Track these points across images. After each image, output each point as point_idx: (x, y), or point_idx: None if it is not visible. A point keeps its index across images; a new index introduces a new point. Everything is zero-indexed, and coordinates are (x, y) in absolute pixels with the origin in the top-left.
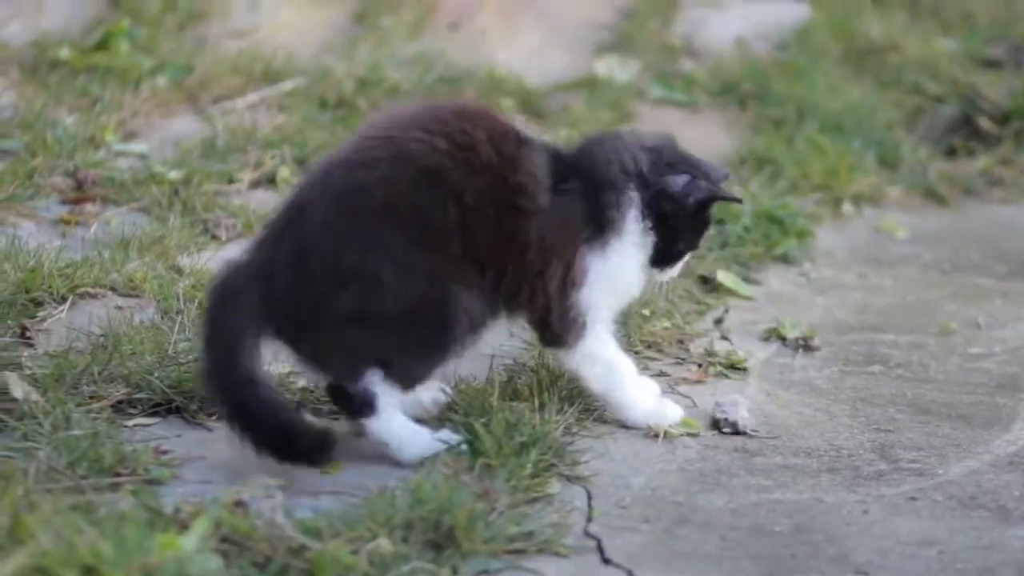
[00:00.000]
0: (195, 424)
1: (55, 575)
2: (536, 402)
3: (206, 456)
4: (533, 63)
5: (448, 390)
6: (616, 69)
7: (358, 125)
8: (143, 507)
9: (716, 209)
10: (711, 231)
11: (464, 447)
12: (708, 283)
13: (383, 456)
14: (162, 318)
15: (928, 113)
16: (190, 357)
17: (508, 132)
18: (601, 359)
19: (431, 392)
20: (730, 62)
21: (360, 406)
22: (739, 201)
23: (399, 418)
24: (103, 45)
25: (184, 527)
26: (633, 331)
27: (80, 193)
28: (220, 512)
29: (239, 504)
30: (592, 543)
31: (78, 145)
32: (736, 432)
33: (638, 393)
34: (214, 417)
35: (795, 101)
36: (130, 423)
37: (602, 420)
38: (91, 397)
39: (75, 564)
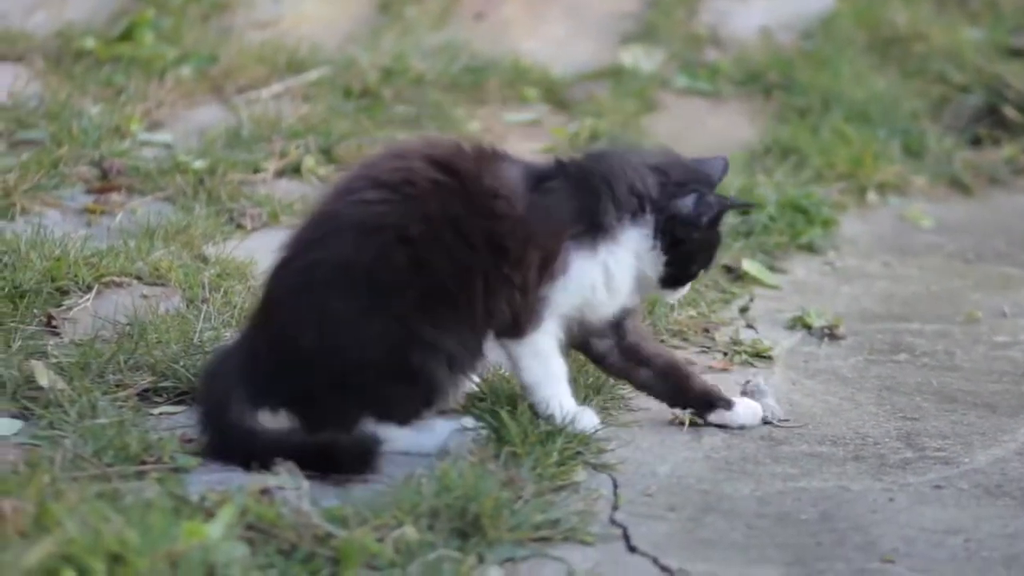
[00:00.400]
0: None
1: (81, 563)
2: None
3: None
4: (558, 53)
5: (475, 379)
6: (641, 59)
7: (382, 115)
8: (169, 495)
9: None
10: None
11: (486, 433)
12: (733, 272)
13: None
14: (187, 307)
15: (953, 102)
16: (215, 346)
17: (459, 150)
18: (542, 354)
19: None
20: (755, 51)
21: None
22: (751, 206)
23: (402, 433)
24: (128, 35)
25: (210, 515)
26: (659, 319)
27: (105, 182)
28: (246, 500)
29: (265, 492)
30: (618, 531)
31: (103, 135)
32: (764, 422)
33: (565, 395)
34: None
35: (820, 90)
36: (156, 411)
37: (628, 408)
38: (117, 385)
39: (101, 552)
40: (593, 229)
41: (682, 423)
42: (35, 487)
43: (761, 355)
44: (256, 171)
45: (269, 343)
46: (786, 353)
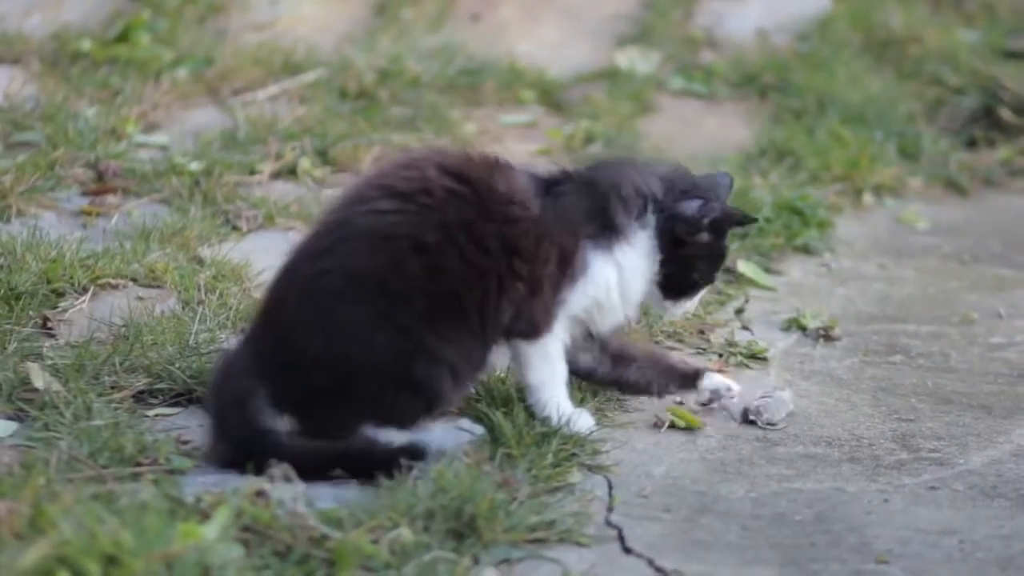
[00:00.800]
0: (207, 428)
1: (76, 564)
2: None
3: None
4: (554, 55)
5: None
6: (637, 61)
7: (378, 117)
8: (164, 496)
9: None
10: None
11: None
12: (729, 273)
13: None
14: (183, 309)
15: (949, 104)
16: (211, 347)
17: (469, 159)
18: (551, 356)
19: None
20: (751, 54)
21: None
22: (754, 221)
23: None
24: (124, 37)
25: (205, 516)
26: (655, 321)
27: (101, 184)
28: (241, 501)
29: (260, 494)
30: (613, 532)
31: (99, 137)
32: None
33: (563, 397)
34: None
35: (815, 92)
36: (151, 413)
37: (624, 410)
38: (112, 387)
39: (96, 553)
40: (607, 230)
41: (673, 425)
42: (30, 489)
43: (756, 357)
44: (252, 173)
45: (273, 347)
46: (781, 355)
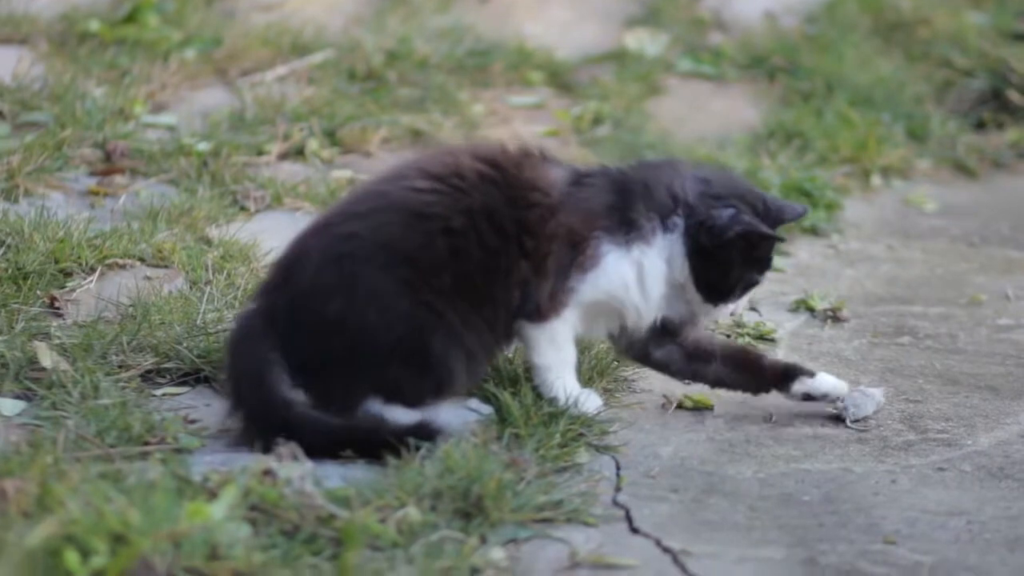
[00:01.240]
0: (224, 393)
1: (84, 543)
2: None
3: (235, 425)
4: (562, 36)
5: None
6: (646, 42)
7: (386, 98)
8: (172, 475)
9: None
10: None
11: (489, 414)
12: None
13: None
14: (191, 288)
15: (957, 86)
16: (219, 327)
17: (504, 150)
18: (558, 340)
19: None
20: (759, 35)
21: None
22: (782, 240)
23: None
24: (132, 18)
25: (213, 495)
26: None
27: (109, 165)
28: (249, 480)
29: (268, 473)
30: (620, 512)
31: (107, 117)
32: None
33: (570, 378)
34: None
35: (824, 74)
36: (159, 392)
37: (632, 390)
38: (120, 367)
39: (104, 532)
40: (625, 226)
41: (680, 406)
42: (38, 467)
43: (764, 338)
44: (260, 153)
45: (288, 305)
46: (789, 336)
